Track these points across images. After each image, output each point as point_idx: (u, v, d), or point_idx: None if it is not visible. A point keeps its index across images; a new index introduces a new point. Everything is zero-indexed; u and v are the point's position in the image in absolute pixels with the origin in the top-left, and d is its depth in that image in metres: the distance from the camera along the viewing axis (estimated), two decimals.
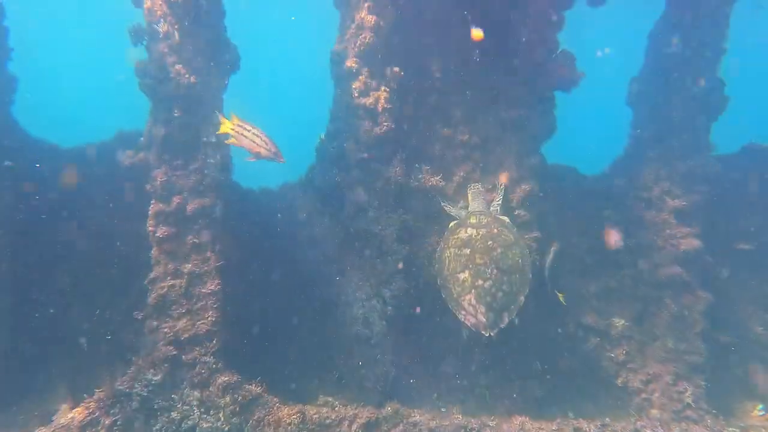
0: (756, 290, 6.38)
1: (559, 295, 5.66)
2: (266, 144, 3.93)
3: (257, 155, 4.01)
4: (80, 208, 5.13)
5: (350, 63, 5.42)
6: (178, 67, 4.10)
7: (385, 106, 5.41)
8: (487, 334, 4.72)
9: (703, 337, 5.88)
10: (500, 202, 5.54)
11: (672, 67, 5.63)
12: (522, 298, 4.98)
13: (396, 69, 5.39)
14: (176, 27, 4.01)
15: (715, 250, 6.08)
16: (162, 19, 4.03)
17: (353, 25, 5.28)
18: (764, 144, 6.35)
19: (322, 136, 5.99)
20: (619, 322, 6.52)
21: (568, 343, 6.63)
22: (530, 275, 5.08)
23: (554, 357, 6.56)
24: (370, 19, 5.09)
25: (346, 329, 5.76)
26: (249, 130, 3.96)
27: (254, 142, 3.93)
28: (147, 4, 4.09)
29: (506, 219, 5.51)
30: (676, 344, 5.94)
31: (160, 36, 4.09)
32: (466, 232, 5.23)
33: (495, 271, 4.84)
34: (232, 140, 4.02)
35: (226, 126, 3.99)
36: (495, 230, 5.15)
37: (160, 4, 3.99)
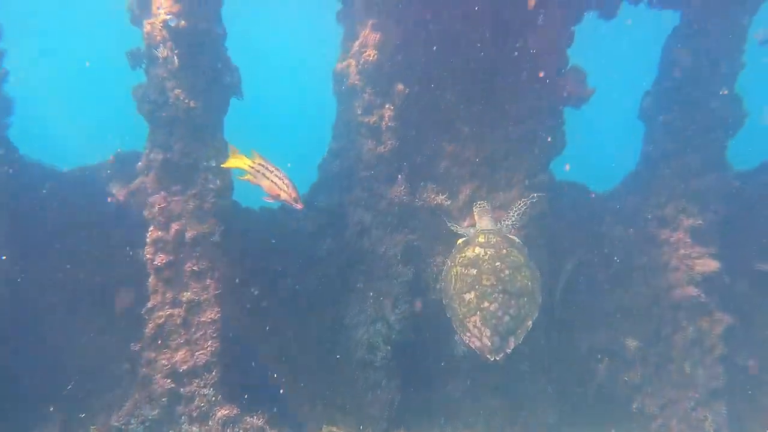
0: None
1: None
2: (287, 188, 3.65)
3: (275, 197, 3.76)
4: (79, 234, 5.01)
5: (354, 80, 5.29)
6: (177, 91, 3.98)
7: (390, 124, 5.26)
8: (492, 359, 4.52)
9: (722, 361, 5.66)
10: (513, 221, 5.33)
11: (686, 81, 5.44)
12: (530, 323, 4.78)
13: (401, 87, 5.24)
14: (176, 52, 3.89)
15: (734, 269, 5.86)
16: (161, 45, 3.91)
17: (357, 43, 5.14)
18: None
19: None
20: (633, 343, 6.29)
21: (580, 366, 6.42)
22: (540, 299, 4.88)
23: (566, 380, 6.36)
24: (374, 36, 4.96)
25: (350, 353, 5.58)
26: (272, 172, 3.66)
27: (276, 184, 3.66)
28: (146, 28, 3.97)
29: (516, 239, 5.32)
30: (694, 369, 5.72)
31: (160, 61, 3.98)
32: (473, 251, 5.03)
33: (502, 293, 4.65)
34: (247, 177, 3.70)
35: (244, 162, 3.67)
36: (504, 250, 4.95)
37: (160, 29, 3.88)
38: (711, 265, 5.51)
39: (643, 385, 6.22)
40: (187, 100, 3.96)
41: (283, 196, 3.68)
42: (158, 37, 3.92)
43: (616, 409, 6.22)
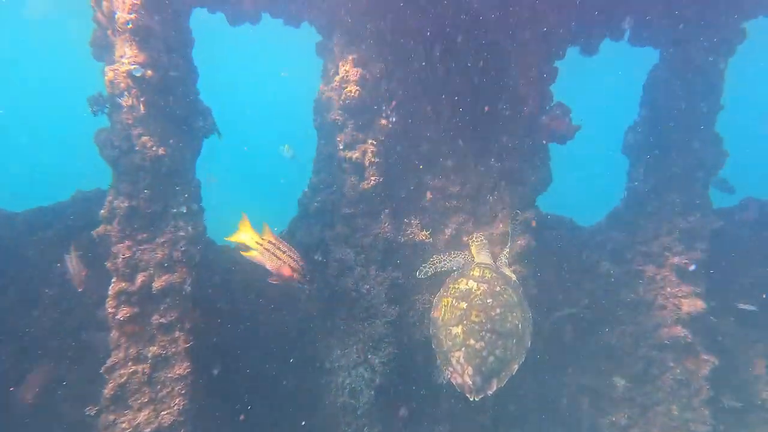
0: (762, 350, 6.10)
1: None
2: (300, 270, 3.39)
3: (281, 279, 3.43)
4: (32, 281, 4.62)
5: (335, 116, 5.09)
6: (144, 138, 3.68)
7: (373, 160, 5.07)
8: (471, 398, 4.29)
9: (709, 403, 5.57)
10: (507, 256, 5.14)
11: (668, 119, 5.43)
12: (515, 367, 4.56)
13: (384, 121, 5.07)
14: (142, 100, 3.60)
15: (718, 308, 5.82)
16: (126, 92, 3.61)
17: (338, 78, 4.96)
18: (762, 199, 6.17)
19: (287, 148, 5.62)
20: (620, 383, 6.19)
21: (568, 406, 6.27)
22: (529, 343, 4.70)
23: (554, 421, 6.20)
24: (356, 72, 4.79)
25: (332, 398, 5.31)
26: (284, 252, 3.40)
27: (287, 264, 3.38)
28: (108, 75, 3.64)
29: (513, 276, 5.12)
30: (681, 412, 5.62)
31: (124, 108, 3.68)
32: (467, 283, 4.80)
33: (490, 332, 4.44)
34: (252, 254, 3.36)
35: (252, 238, 3.29)
36: (498, 287, 4.75)
37: (124, 77, 3.59)
38: (698, 304, 5.45)
39: (630, 427, 6.11)
40: (154, 148, 3.67)
41: (296, 277, 3.37)
42: (122, 85, 3.62)
43: None
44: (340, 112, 5.04)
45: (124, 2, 3.38)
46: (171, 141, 3.78)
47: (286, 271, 3.40)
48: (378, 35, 4.70)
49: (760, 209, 6.03)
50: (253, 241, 3.35)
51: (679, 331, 5.57)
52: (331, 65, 5.24)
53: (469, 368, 4.32)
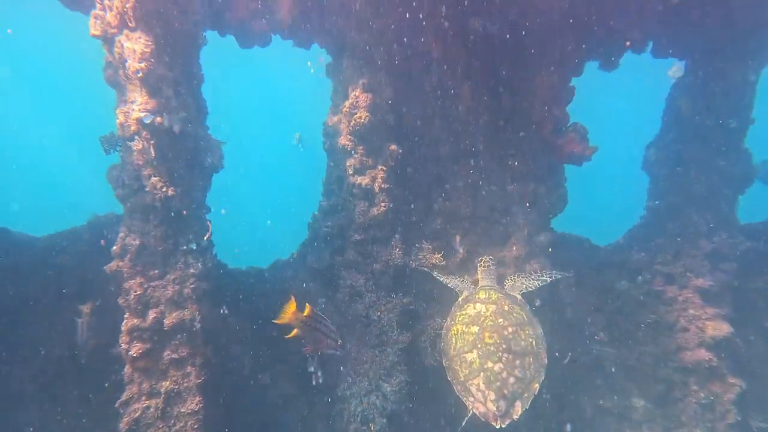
0: None
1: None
2: (335, 340, 3.61)
3: (318, 349, 3.63)
4: (49, 308, 4.70)
5: (344, 140, 5.02)
6: (154, 180, 3.67)
7: (383, 186, 4.99)
8: (498, 426, 4.20)
9: (735, 428, 5.37)
10: (520, 287, 5.03)
11: (692, 135, 5.19)
12: (537, 386, 4.46)
13: (393, 147, 4.98)
14: (152, 143, 3.60)
15: (746, 328, 5.60)
16: (136, 136, 3.62)
17: (347, 102, 4.88)
18: None
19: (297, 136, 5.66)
20: (639, 403, 6.02)
21: (588, 426, 6.12)
22: (545, 360, 4.59)
23: None
24: (365, 98, 4.70)
25: (344, 425, 5.28)
26: (326, 327, 3.59)
27: (327, 336, 3.57)
28: (120, 118, 3.65)
29: (518, 296, 5.02)
30: None
31: (134, 151, 3.69)
32: (474, 307, 4.73)
33: (506, 353, 4.34)
34: (295, 332, 3.53)
35: (297, 317, 3.45)
36: (506, 307, 4.66)
37: (135, 122, 3.58)
38: (723, 328, 5.24)
39: None
40: (164, 189, 3.66)
41: (331, 345, 3.61)
42: (133, 128, 3.62)
43: None
44: (349, 137, 4.96)
45: (134, 51, 3.37)
46: (180, 181, 3.77)
47: (324, 346, 3.63)
48: (389, 60, 4.60)
49: None
50: (298, 321, 3.52)
51: (703, 354, 5.37)
52: (340, 87, 5.17)
53: (491, 393, 4.23)
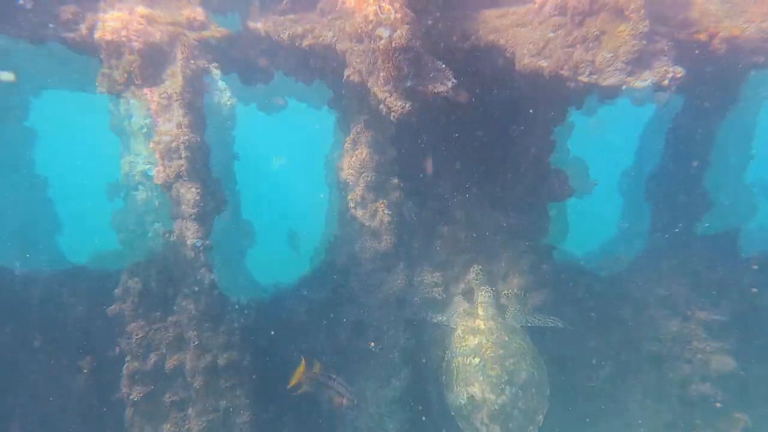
0: None
1: None
2: (349, 396, 3.81)
3: (332, 405, 3.84)
4: (49, 349, 4.69)
5: (346, 175, 5.05)
6: (157, 226, 3.73)
7: (384, 219, 4.99)
8: None
9: None
10: (522, 319, 5.02)
11: (694, 177, 5.23)
12: (541, 417, 4.46)
13: (396, 180, 5.00)
14: (155, 194, 3.66)
15: (749, 356, 5.56)
16: (140, 186, 3.68)
17: (349, 138, 4.92)
18: None
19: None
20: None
21: None
22: (548, 390, 4.57)
23: None
24: (367, 134, 4.74)
25: None
26: (339, 385, 3.84)
27: (339, 393, 3.82)
28: (125, 168, 3.77)
29: (516, 324, 5.00)
30: None
31: (139, 201, 3.74)
32: (474, 339, 4.72)
33: (508, 385, 4.33)
34: (303, 389, 3.76)
35: (309, 376, 3.74)
36: (506, 337, 4.66)
37: (139, 173, 3.66)
38: (728, 363, 5.21)
39: None
40: (167, 235, 3.70)
41: (346, 402, 3.84)
42: (137, 178, 3.69)
43: None
44: (351, 171, 4.99)
45: (140, 108, 3.45)
46: (182, 227, 3.79)
47: (338, 401, 3.83)
48: (395, 128, 4.68)
49: None
50: (309, 381, 3.76)
51: (708, 389, 5.34)
52: (343, 122, 5.21)
53: (496, 428, 4.22)
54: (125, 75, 3.46)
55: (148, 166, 3.53)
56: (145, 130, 3.52)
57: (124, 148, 4.06)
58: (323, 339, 5.48)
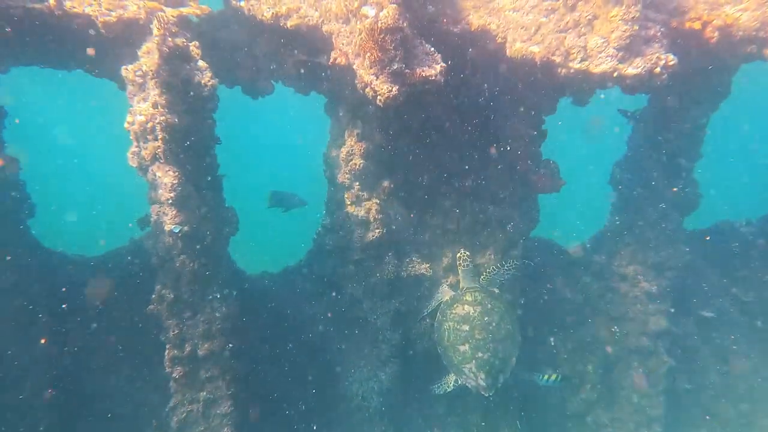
0: (716, 345, 7.07)
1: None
2: None
3: None
4: (99, 331, 5.57)
5: (342, 177, 5.56)
6: (182, 258, 4.32)
7: (377, 216, 5.62)
8: (487, 395, 5.43)
9: (663, 394, 6.69)
10: (489, 279, 5.86)
11: (650, 165, 5.78)
12: (513, 360, 5.68)
13: (386, 183, 5.53)
14: (186, 228, 4.17)
15: (685, 313, 6.68)
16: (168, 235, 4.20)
17: (344, 149, 5.35)
18: (733, 221, 6.68)
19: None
20: (590, 367, 7.29)
21: (545, 390, 7.45)
22: (519, 338, 5.71)
23: (534, 403, 7.42)
24: (360, 146, 5.18)
25: (347, 399, 6.50)
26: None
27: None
28: (153, 216, 4.23)
29: (496, 290, 5.92)
30: (640, 400, 6.77)
31: (167, 234, 4.25)
32: (463, 308, 5.71)
33: (492, 343, 5.45)
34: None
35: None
36: (489, 305, 5.67)
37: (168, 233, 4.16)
38: (662, 323, 6.29)
39: (598, 402, 7.33)
40: (192, 264, 4.31)
41: None
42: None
43: (574, 420, 7.38)
44: (347, 175, 5.50)
45: (165, 183, 3.83)
46: (204, 252, 4.42)
47: None
48: (382, 113, 4.97)
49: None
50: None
51: (645, 341, 6.50)
52: (337, 126, 5.57)
53: (481, 374, 5.45)
54: (150, 154, 3.79)
55: (173, 225, 4.01)
56: (170, 201, 3.99)
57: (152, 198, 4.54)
58: (325, 307, 6.42)
